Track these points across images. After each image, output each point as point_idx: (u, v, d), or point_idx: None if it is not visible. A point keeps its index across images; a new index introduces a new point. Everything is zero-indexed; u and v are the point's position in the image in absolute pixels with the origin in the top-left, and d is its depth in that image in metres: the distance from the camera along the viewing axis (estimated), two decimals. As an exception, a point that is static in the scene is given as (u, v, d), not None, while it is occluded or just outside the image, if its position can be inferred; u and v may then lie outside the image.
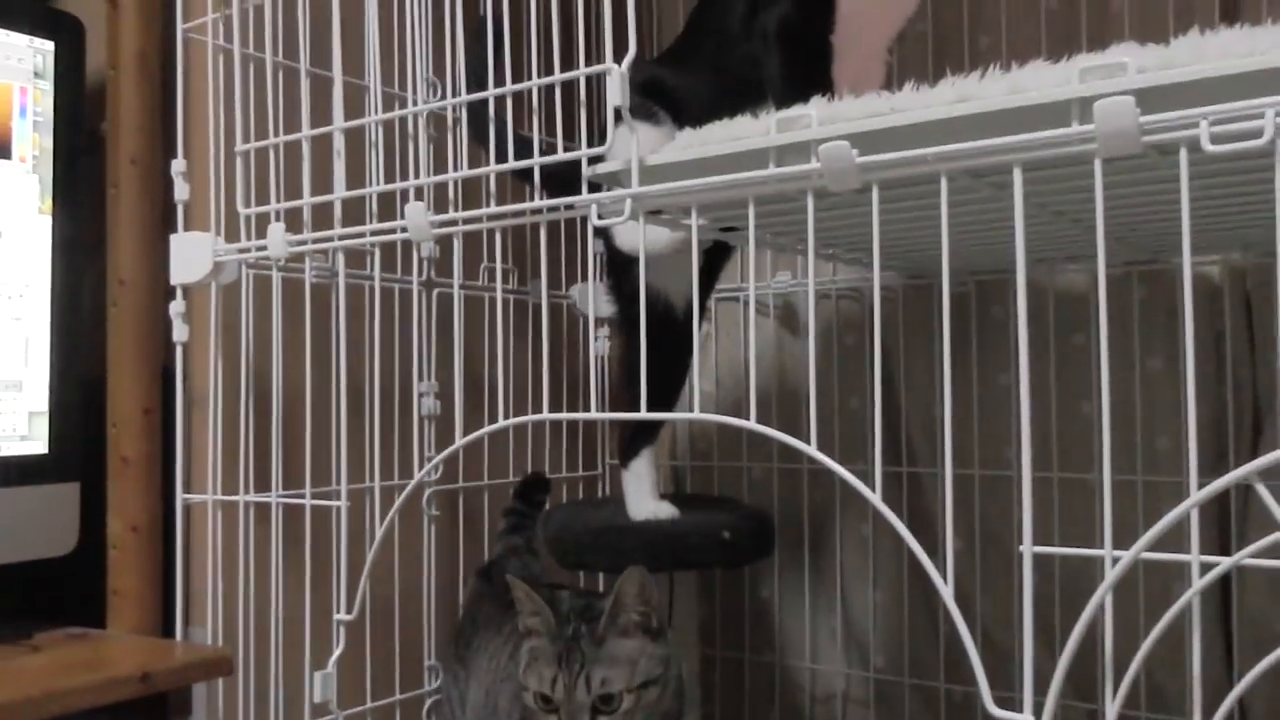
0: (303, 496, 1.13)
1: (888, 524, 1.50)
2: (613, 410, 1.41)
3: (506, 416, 0.95)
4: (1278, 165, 0.62)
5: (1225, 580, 1.28)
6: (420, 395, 1.35)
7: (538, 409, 0.94)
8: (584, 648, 0.96)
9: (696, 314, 0.96)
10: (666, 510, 1.23)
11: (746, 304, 1.60)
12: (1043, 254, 1.26)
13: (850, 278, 1.51)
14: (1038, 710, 0.66)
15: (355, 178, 1.08)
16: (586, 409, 1.52)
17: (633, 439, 1.26)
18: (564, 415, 0.93)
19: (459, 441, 0.97)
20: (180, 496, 1.17)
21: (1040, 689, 0.66)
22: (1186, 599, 0.60)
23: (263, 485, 1.18)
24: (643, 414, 0.87)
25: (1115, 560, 0.64)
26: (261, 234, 1.10)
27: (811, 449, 0.77)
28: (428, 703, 1.34)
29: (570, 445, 1.60)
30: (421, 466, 1.34)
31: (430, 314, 1.35)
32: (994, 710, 0.68)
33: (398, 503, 1.02)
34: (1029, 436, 0.68)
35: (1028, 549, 0.69)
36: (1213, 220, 1.00)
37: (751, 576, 1.60)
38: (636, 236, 0.90)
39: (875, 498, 0.73)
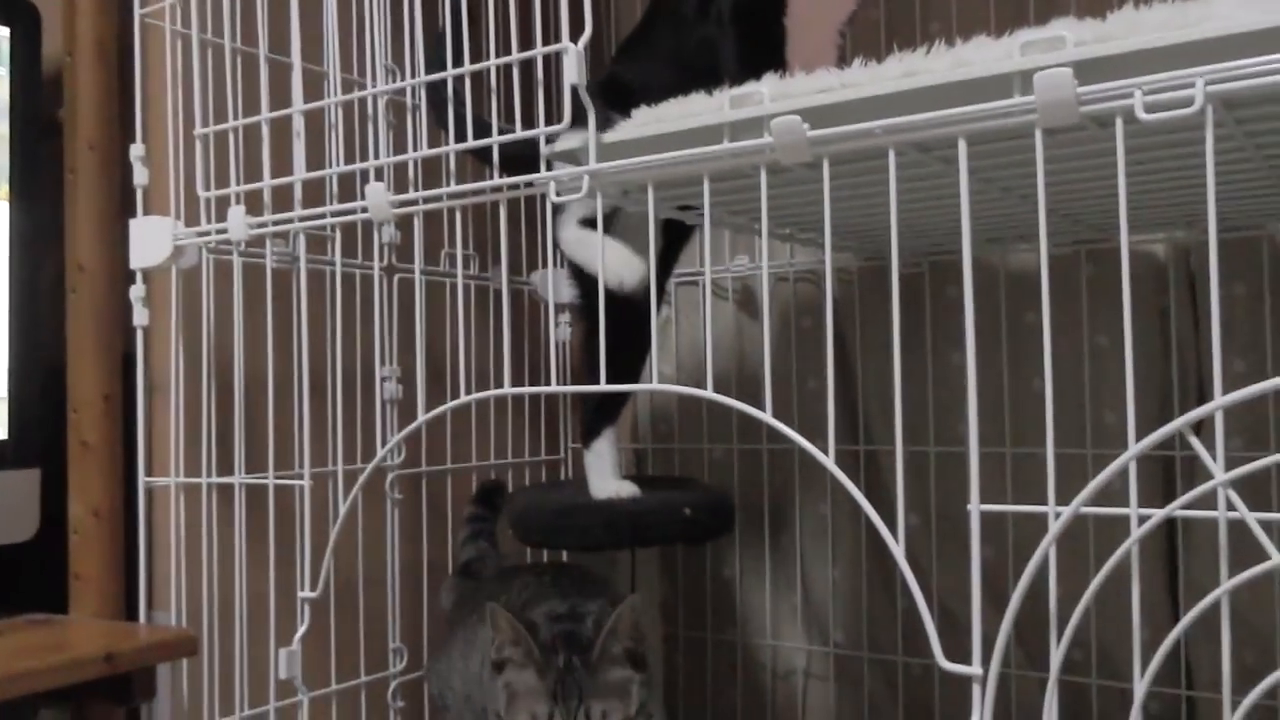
0: (265, 478, 1.13)
1: (846, 503, 1.53)
2: (575, 396, 1.43)
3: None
4: (1207, 133, 0.65)
5: (1172, 548, 1.31)
6: (383, 380, 1.36)
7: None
8: (579, 680, 0.92)
9: (654, 295, 0.97)
10: (628, 489, 1.25)
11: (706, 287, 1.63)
12: (994, 233, 1.28)
13: (807, 260, 1.54)
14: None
15: (315, 165, 1.09)
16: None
17: (594, 420, 1.28)
18: (524, 389, 0.94)
19: (420, 418, 0.98)
20: (142, 480, 1.18)
21: (992, 650, 0.69)
22: (1126, 547, 0.62)
23: (225, 469, 1.18)
24: (602, 386, 0.89)
25: (1059, 515, 0.67)
26: (221, 218, 1.11)
27: (767, 416, 0.79)
28: (393, 684, 1.34)
29: (533, 430, 1.62)
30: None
31: (392, 299, 1.35)
32: (944, 664, 0.71)
33: (360, 480, 1.03)
34: (975, 386, 0.71)
35: (975, 508, 0.71)
36: (1155, 196, 1.03)
37: (713, 556, 1.62)
38: (588, 254, 0.92)
39: (829, 460, 0.75)
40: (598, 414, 1.28)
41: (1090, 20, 0.71)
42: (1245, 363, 1.26)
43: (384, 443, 1.35)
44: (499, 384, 0.95)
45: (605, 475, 1.27)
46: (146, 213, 1.17)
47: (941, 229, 1.22)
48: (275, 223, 1.09)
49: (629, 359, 1.26)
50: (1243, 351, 1.26)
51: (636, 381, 1.31)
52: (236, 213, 1.09)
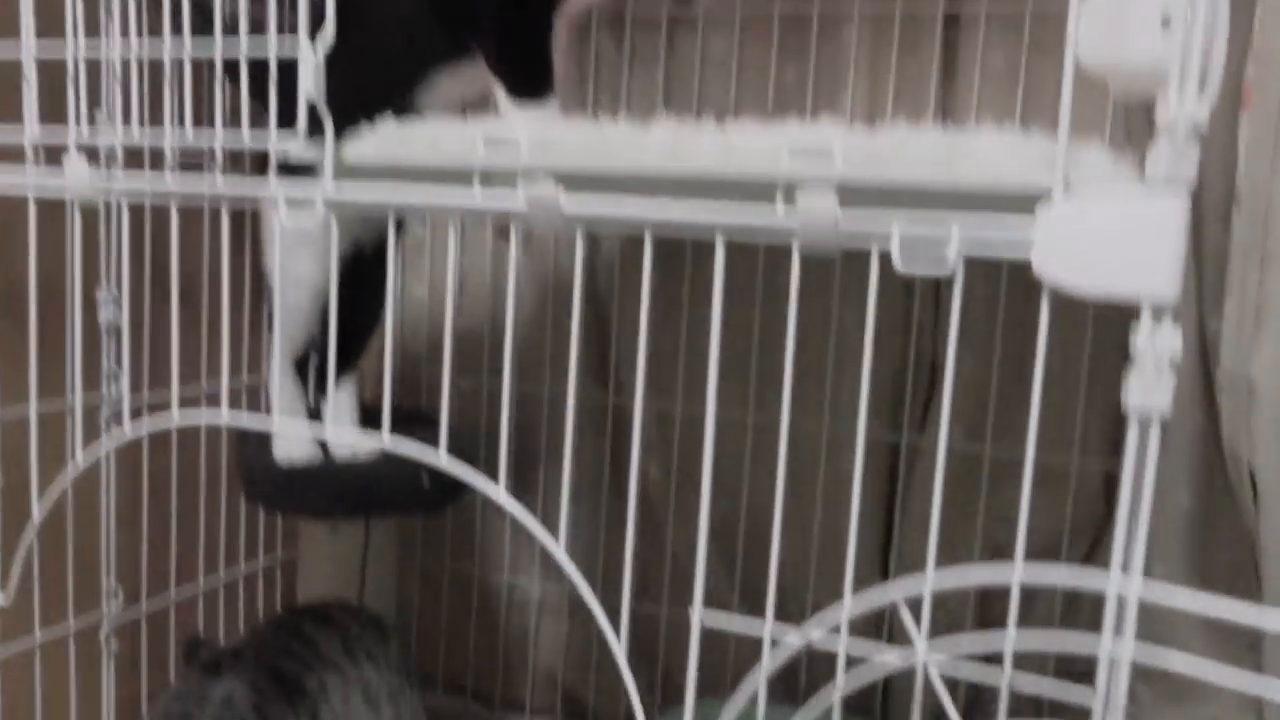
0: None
1: (590, 450, 1.52)
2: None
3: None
4: (956, 289, 0.64)
5: (889, 522, 1.39)
6: (100, 303, 1.23)
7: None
8: None
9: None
10: (366, 445, 1.20)
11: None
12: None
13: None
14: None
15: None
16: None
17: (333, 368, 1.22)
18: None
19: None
20: None
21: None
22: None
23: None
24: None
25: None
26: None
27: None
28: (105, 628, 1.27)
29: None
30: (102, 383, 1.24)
31: (111, 220, 1.22)
32: None
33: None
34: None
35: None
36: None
37: (455, 491, 1.61)
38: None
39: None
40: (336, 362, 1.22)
41: (860, 128, 0.68)
42: (973, 358, 1.32)
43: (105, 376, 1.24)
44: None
45: (343, 427, 1.22)
46: None
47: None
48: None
49: (362, 321, 1.21)
50: (972, 348, 1.32)
51: (371, 329, 1.26)
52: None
